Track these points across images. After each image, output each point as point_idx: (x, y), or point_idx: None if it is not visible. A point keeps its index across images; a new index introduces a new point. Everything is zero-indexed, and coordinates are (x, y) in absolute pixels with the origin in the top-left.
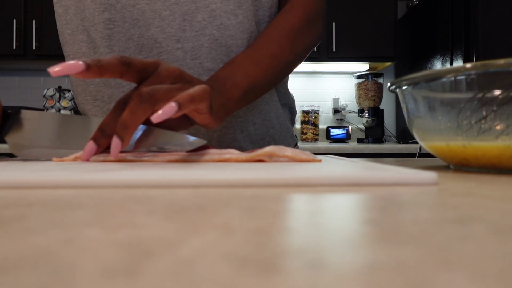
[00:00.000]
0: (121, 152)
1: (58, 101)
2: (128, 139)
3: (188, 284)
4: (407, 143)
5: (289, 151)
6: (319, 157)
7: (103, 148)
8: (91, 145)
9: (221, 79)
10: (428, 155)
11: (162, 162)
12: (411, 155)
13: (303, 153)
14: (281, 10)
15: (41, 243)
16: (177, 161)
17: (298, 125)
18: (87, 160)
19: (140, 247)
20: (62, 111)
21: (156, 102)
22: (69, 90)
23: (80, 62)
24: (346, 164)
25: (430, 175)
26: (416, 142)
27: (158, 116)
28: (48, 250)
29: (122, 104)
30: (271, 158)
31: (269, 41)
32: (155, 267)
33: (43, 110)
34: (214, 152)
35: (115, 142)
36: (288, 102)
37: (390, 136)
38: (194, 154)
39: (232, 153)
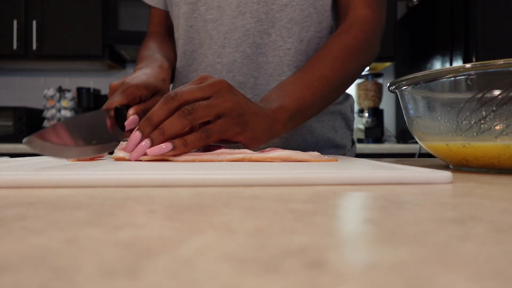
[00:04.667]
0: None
1: (58, 101)
2: (157, 144)
3: (188, 284)
4: (407, 143)
5: (304, 156)
6: (335, 157)
7: (147, 136)
8: (136, 135)
9: (269, 102)
10: (427, 155)
11: (165, 162)
12: (410, 155)
13: (320, 156)
14: (339, 21)
15: (41, 243)
16: (193, 161)
17: None
18: (137, 157)
19: (140, 247)
20: (63, 111)
21: (195, 119)
22: (69, 90)
23: (170, 145)
24: (359, 164)
25: (444, 175)
26: (416, 142)
27: (152, 150)
28: (48, 250)
29: (171, 99)
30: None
31: (321, 64)
32: (155, 267)
33: (43, 110)
34: (227, 152)
35: (145, 143)
36: (339, 109)
37: (390, 136)
38: (208, 154)
39: (246, 152)
